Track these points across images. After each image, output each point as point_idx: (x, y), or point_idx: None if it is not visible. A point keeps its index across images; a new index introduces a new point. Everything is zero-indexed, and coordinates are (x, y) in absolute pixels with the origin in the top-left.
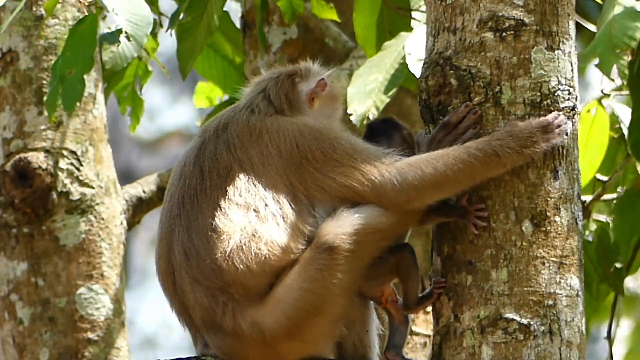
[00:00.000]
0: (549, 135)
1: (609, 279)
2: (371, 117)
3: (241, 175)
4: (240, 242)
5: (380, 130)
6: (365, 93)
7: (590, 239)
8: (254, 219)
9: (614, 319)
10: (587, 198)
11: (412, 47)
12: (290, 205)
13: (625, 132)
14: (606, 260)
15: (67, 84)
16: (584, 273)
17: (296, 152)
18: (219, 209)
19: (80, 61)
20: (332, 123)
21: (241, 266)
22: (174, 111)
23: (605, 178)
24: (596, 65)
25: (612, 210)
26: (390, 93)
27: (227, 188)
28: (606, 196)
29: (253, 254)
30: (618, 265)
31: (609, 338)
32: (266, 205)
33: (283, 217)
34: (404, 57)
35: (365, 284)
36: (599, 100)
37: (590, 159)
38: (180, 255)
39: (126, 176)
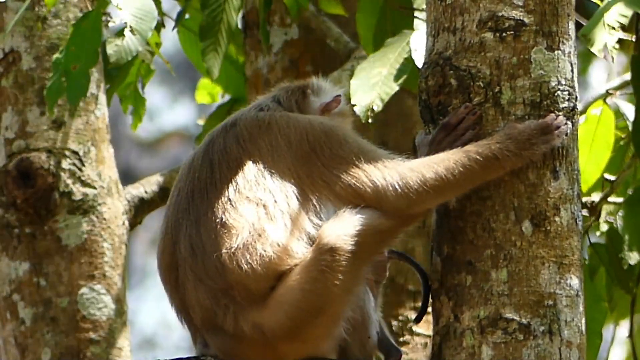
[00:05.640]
0: (548, 137)
1: (620, 280)
2: (375, 109)
3: (251, 167)
4: (247, 240)
5: None
6: (369, 86)
7: (599, 240)
8: (263, 216)
9: (614, 320)
10: (596, 198)
11: (418, 43)
12: (297, 200)
13: None
14: (618, 260)
15: (72, 79)
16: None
17: (305, 143)
18: (229, 202)
19: (84, 56)
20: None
21: (245, 267)
22: (174, 111)
23: (613, 178)
24: (585, 42)
25: (622, 209)
26: (397, 83)
27: (237, 181)
28: (616, 199)
29: (258, 255)
30: (631, 262)
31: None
32: (275, 201)
33: (290, 215)
34: (408, 53)
35: None
36: (604, 100)
37: (596, 159)
38: (186, 251)
39: (126, 176)
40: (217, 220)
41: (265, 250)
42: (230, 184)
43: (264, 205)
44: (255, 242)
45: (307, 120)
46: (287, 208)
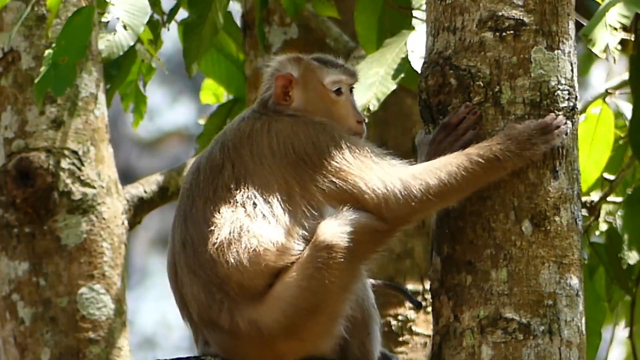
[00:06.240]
0: (547, 137)
1: (620, 280)
2: (372, 109)
3: (231, 173)
4: (230, 234)
5: None
6: (366, 86)
7: (599, 240)
8: (242, 216)
9: (614, 321)
10: (595, 197)
11: (415, 44)
12: (281, 205)
13: None
14: (617, 260)
15: (59, 71)
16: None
17: (291, 152)
18: (209, 202)
19: (73, 50)
20: (327, 121)
21: (232, 260)
22: (174, 111)
23: (613, 177)
24: (586, 42)
25: (621, 208)
26: (395, 82)
27: (218, 184)
28: (616, 199)
29: (243, 246)
30: (631, 262)
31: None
32: (254, 204)
33: (273, 216)
34: (405, 53)
35: None
36: (604, 99)
37: (596, 158)
38: (179, 245)
39: (125, 176)
40: (201, 218)
41: (250, 243)
42: (211, 186)
43: (243, 206)
44: (239, 235)
45: (291, 128)
46: (269, 211)
